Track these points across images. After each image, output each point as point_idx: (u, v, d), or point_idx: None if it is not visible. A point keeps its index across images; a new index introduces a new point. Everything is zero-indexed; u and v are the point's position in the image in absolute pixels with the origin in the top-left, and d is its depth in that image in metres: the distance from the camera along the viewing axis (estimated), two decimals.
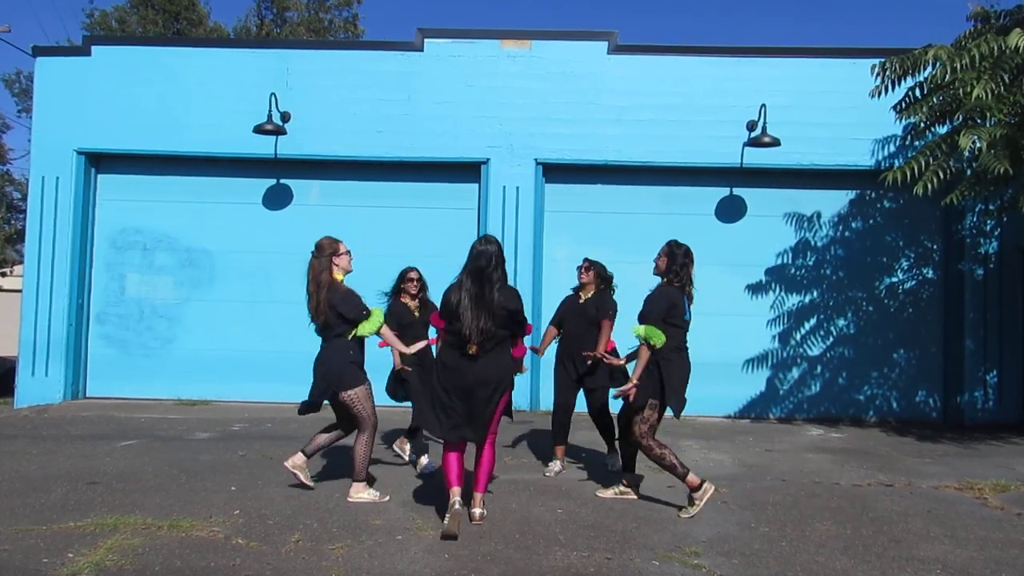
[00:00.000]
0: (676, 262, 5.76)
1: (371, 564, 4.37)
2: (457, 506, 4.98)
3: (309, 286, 5.72)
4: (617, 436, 6.54)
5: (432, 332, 6.77)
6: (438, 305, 6.93)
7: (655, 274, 5.91)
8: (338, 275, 5.77)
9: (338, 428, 5.98)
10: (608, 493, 5.99)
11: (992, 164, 8.07)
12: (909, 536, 5.11)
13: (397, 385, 6.93)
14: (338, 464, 6.97)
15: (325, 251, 5.75)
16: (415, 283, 7.02)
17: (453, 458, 5.23)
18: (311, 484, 5.94)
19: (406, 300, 7.00)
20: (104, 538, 4.66)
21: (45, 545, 4.53)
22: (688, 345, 5.80)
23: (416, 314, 6.97)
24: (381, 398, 7.53)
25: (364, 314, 5.69)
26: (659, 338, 5.47)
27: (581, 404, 6.95)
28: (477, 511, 5.17)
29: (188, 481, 6.17)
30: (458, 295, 5.16)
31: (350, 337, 5.69)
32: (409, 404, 7.14)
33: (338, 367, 5.65)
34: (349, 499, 5.65)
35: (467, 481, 5.28)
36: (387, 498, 5.73)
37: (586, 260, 7.06)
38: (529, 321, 5.51)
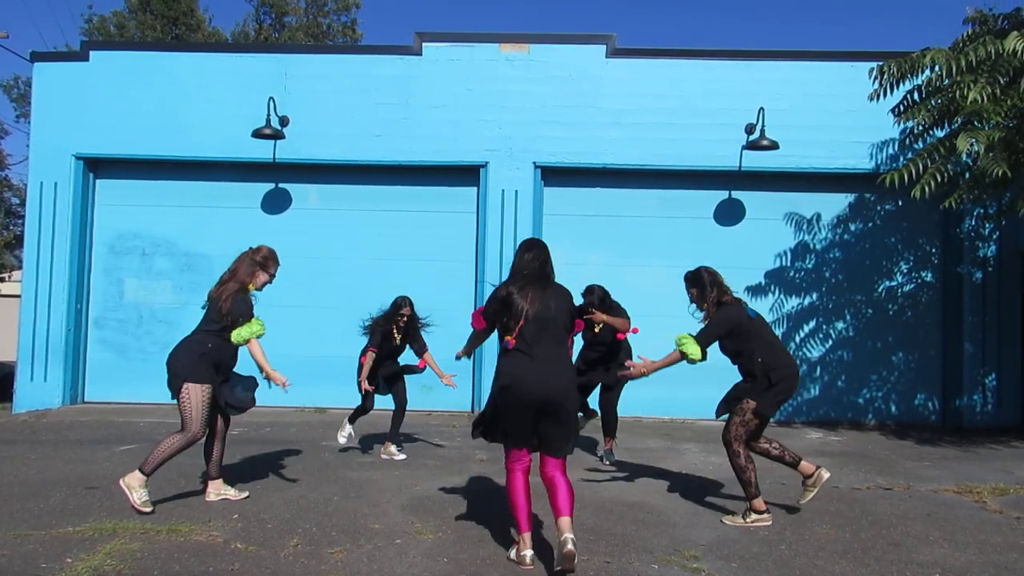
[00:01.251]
0: (705, 285, 5.58)
1: (370, 568, 4.36)
2: (528, 560, 4.33)
3: (225, 274, 5.70)
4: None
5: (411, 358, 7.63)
6: (422, 338, 7.61)
7: (700, 310, 5.67)
8: (252, 285, 5.71)
9: (212, 432, 5.75)
10: (739, 520, 5.45)
11: (990, 167, 8.08)
12: (908, 540, 5.11)
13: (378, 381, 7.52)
14: (335, 467, 6.97)
15: (257, 257, 5.73)
16: (403, 319, 7.50)
17: (521, 482, 4.45)
18: (243, 495, 5.78)
19: (394, 328, 7.49)
20: (103, 543, 4.65)
21: (44, 550, 4.52)
22: (781, 342, 5.73)
23: (396, 341, 7.55)
24: (378, 402, 7.57)
25: (244, 319, 5.54)
26: (692, 350, 5.33)
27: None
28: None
29: (187, 485, 6.16)
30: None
31: (227, 337, 5.55)
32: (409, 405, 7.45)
33: (186, 358, 5.45)
34: (120, 481, 5.37)
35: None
36: (246, 493, 5.75)
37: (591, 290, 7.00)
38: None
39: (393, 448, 7.58)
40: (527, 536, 4.38)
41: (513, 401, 4.33)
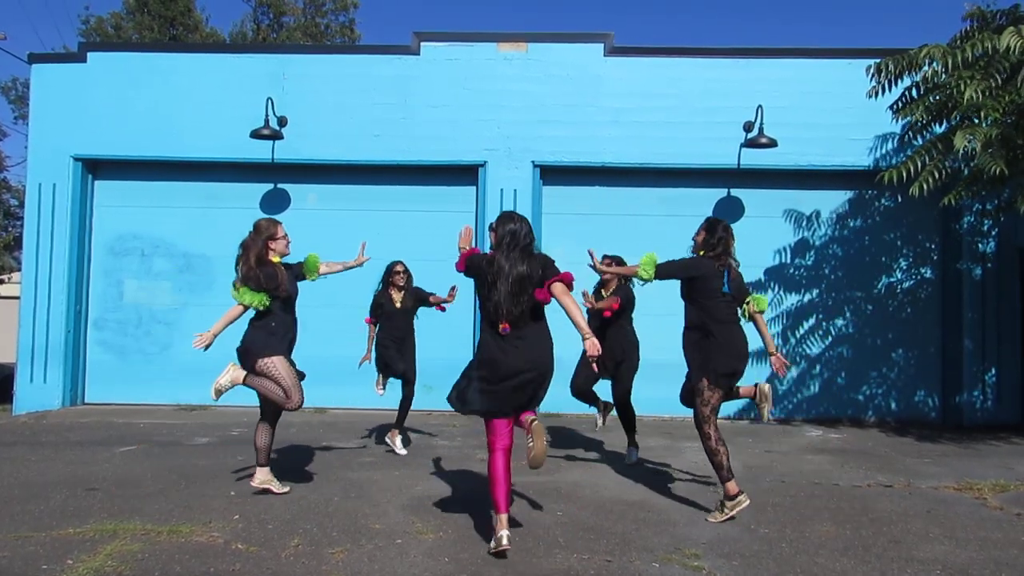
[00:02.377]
0: (715, 235, 5.72)
1: (371, 568, 4.36)
2: (505, 541, 4.49)
3: (238, 262, 5.87)
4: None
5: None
6: (423, 293, 7.73)
7: (693, 252, 5.86)
8: (275, 258, 5.87)
9: (266, 422, 5.97)
10: (719, 516, 5.41)
11: (988, 164, 8.08)
12: (909, 537, 5.11)
13: (379, 355, 7.64)
14: (335, 467, 6.97)
15: (262, 235, 5.85)
16: (401, 275, 7.67)
17: (501, 463, 4.74)
18: (286, 489, 5.94)
19: (392, 292, 7.64)
20: (103, 544, 4.65)
21: (44, 552, 4.52)
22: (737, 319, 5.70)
23: (398, 304, 7.64)
24: (379, 402, 7.57)
25: (296, 270, 6.01)
26: (647, 272, 5.54)
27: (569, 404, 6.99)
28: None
29: (187, 486, 6.16)
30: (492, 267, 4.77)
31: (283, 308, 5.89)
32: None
33: (256, 338, 5.82)
34: (251, 484, 5.84)
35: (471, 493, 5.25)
36: (287, 488, 5.91)
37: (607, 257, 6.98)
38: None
39: (398, 439, 7.65)
40: (504, 517, 4.58)
41: (490, 376, 4.68)
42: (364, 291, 8.22)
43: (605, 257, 7.00)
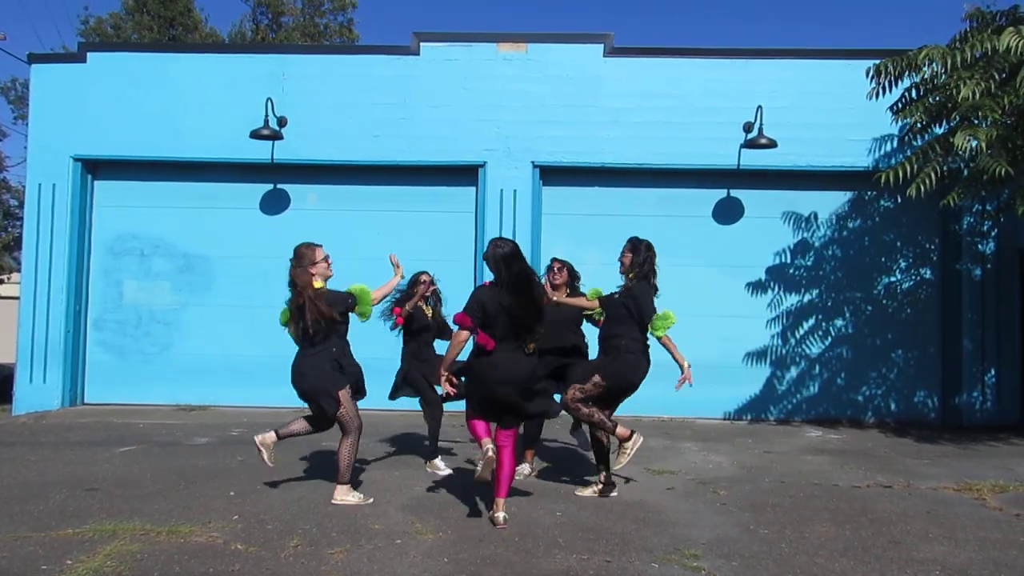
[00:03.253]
0: (640, 255, 6.02)
1: (370, 568, 4.36)
2: (491, 452, 5.09)
3: (295, 299, 5.72)
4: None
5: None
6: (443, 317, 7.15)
7: (621, 272, 6.15)
8: (318, 283, 5.75)
9: (311, 423, 5.99)
10: (588, 492, 6.09)
11: (990, 165, 8.07)
12: (908, 537, 5.11)
13: (402, 384, 7.05)
14: (334, 468, 6.96)
15: (304, 262, 5.75)
16: (428, 286, 7.10)
17: (506, 454, 5.31)
18: (272, 463, 5.90)
19: (421, 304, 7.03)
20: (103, 544, 4.65)
21: (44, 552, 4.52)
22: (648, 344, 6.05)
23: (430, 319, 7.12)
24: (379, 403, 7.55)
25: (351, 302, 5.78)
26: (670, 322, 5.82)
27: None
28: (500, 515, 5.20)
29: (187, 487, 6.16)
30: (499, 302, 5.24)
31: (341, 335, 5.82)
32: (411, 405, 7.28)
33: (322, 373, 5.70)
34: (333, 501, 5.70)
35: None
36: (371, 500, 5.77)
37: (556, 261, 6.96)
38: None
39: (438, 461, 6.96)
40: (500, 501, 5.20)
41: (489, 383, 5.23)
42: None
43: (556, 261, 7.01)
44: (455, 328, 5.24)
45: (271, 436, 5.85)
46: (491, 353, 5.15)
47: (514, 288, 5.16)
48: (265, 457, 5.83)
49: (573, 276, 6.97)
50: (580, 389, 5.89)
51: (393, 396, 7.10)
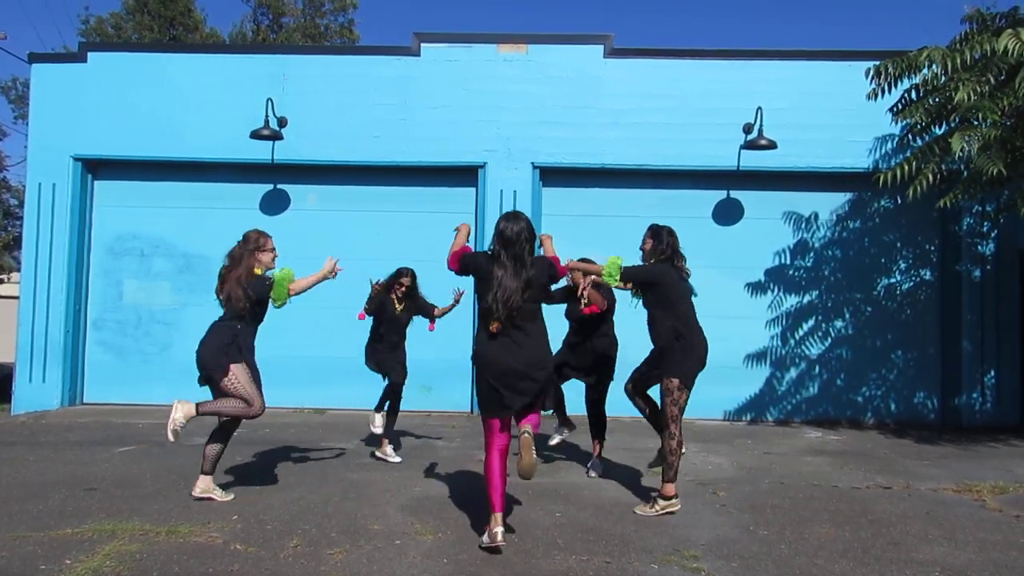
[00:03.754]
0: (662, 241, 5.85)
1: (370, 569, 4.36)
2: (500, 538, 4.56)
3: (223, 269, 5.78)
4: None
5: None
6: (428, 305, 7.60)
7: (644, 261, 5.97)
8: (258, 270, 5.76)
9: (224, 430, 5.87)
10: (647, 510, 5.60)
11: (987, 166, 8.08)
12: (908, 538, 5.11)
13: (371, 352, 7.48)
14: (334, 467, 6.97)
15: (250, 245, 5.78)
16: (404, 288, 7.55)
17: (497, 463, 4.78)
18: (228, 497, 5.78)
19: (393, 296, 7.53)
20: (102, 544, 4.64)
21: (43, 552, 4.52)
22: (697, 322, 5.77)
23: (398, 310, 7.54)
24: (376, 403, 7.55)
25: (268, 284, 5.67)
26: (612, 272, 5.60)
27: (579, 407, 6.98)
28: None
29: (186, 487, 6.14)
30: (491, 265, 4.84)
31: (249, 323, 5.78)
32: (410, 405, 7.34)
33: (216, 345, 5.61)
34: (193, 494, 5.61)
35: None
36: (231, 496, 5.68)
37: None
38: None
39: (389, 448, 7.47)
40: (499, 516, 4.63)
41: (484, 373, 4.74)
42: (363, 294, 8.18)
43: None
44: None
45: (204, 480, 5.76)
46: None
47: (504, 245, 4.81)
48: (217, 497, 5.71)
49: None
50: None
51: (369, 362, 7.57)
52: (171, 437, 5.54)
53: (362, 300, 7.80)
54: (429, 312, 7.71)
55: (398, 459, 7.38)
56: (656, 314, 5.71)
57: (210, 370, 5.60)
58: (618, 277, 5.61)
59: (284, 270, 5.74)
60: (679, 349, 5.56)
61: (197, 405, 5.60)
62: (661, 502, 5.50)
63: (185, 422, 5.59)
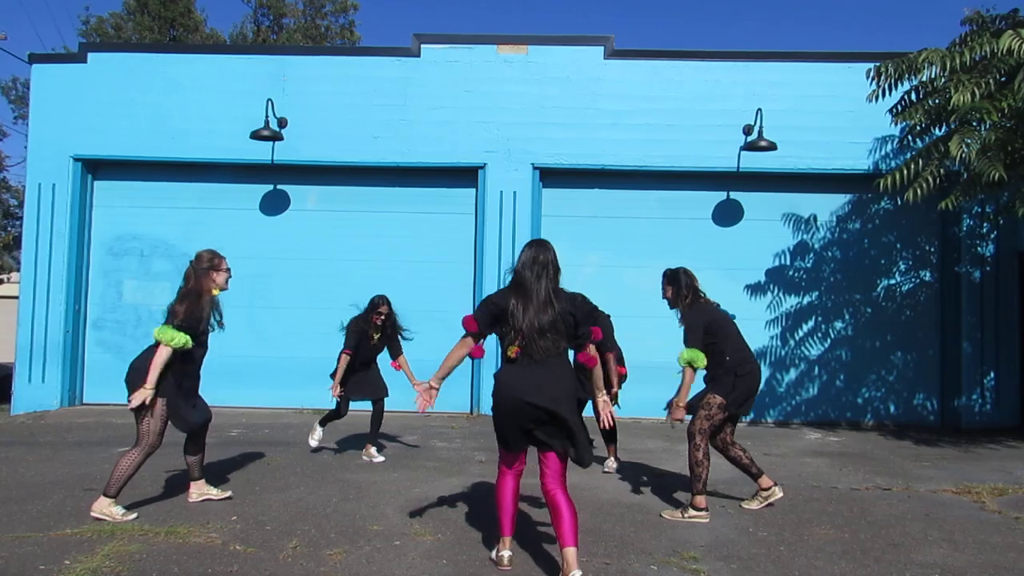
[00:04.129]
0: (680, 285, 5.74)
1: (369, 570, 4.36)
2: (506, 562, 4.33)
3: (181, 291, 5.56)
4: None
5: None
6: (399, 340, 7.53)
7: (672, 308, 5.88)
8: (215, 291, 5.61)
9: (192, 442, 5.74)
10: (754, 505, 5.84)
11: (986, 170, 8.08)
12: (907, 540, 5.11)
13: (353, 385, 7.58)
14: (333, 468, 6.96)
15: (203, 264, 5.59)
16: (381, 316, 7.51)
17: (510, 486, 4.38)
18: (226, 494, 5.77)
19: (369, 328, 7.51)
20: (101, 544, 4.64)
21: (42, 552, 4.52)
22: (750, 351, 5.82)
23: (374, 342, 7.55)
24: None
25: (185, 326, 5.40)
26: (700, 361, 5.54)
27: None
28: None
29: (185, 487, 6.15)
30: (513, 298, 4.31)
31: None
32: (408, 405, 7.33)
33: (140, 367, 5.43)
34: (92, 513, 5.21)
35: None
36: (134, 516, 5.26)
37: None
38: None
39: (373, 450, 7.54)
40: (507, 540, 4.41)
41: (503, 407, 4.23)
42: (362, 294, 8.18)
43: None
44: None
45: (200, 485, 5.73)
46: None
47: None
48: (215, 495, 5.71)
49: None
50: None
51: (355, 398, 7.65)
52: (129, 517, 5.29)
53: (363, 300, 7.81)
54: (398, 350, 7.60)
55: (382, 458, 7.49)
56: (713, 352, 5.67)
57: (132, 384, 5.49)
58: (695, 358, 5.56)
59: (184, 337, 5.42)
60: (733, 380, 5.63)
61: (104, 492, 5.31)
62: (692, 511, 5.52)
63: (119, 507, 5.31)
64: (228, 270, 5.71)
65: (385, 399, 7.70)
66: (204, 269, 5.57)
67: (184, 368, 5.53)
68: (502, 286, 4.63)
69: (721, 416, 5.63)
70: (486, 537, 4.94)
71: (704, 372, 5.71)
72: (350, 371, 7.48)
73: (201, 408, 5.78)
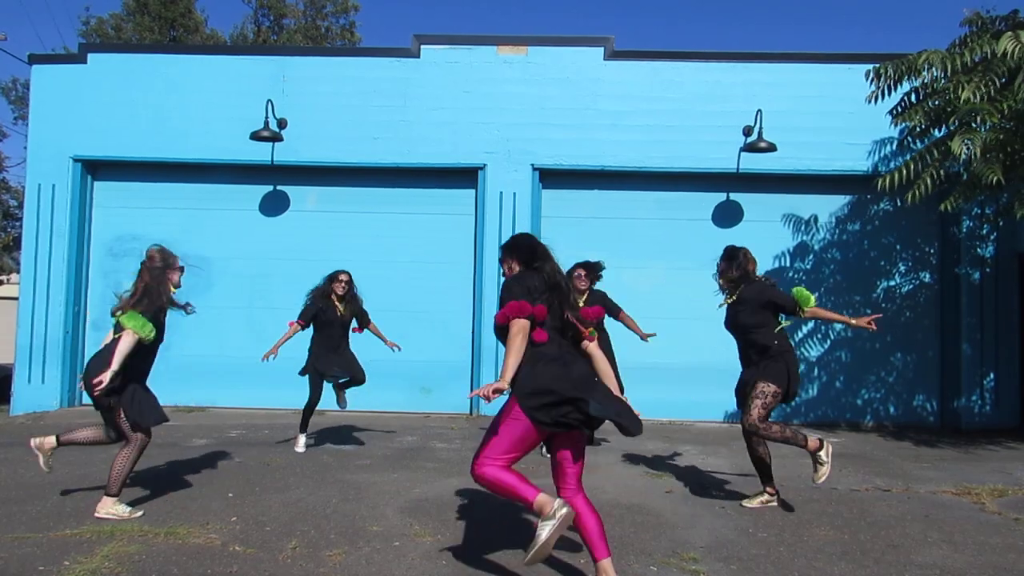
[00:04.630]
0: (735, 262, 6.17)
1: (368, 570, 4.36)
2: (564, 510, 3.59)
3: (133, 288, 5.59)
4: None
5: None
6: (363, 306, 7.67)
7: (723, 288, 6.22)
8: (172, 289, 5.65)
9: (105, 430, 5.61)
10: (755, 503, 5.93)
11: (985, 172, 8.09)
12: (907, 541, 5.11)
13: (326, 361, 7.63)
14: (333, 469, 6.96)
15: (157, 262, 5.59)
16: (343, 284, 7.63)
17: (504, 471, 3.76)
18: (47, 469, 5.67)
19: (333, 299, 7.62)
20: (101, 545, 4.64)
21: (42, 552, 4.52)
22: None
23: (339, 313, 7.62)
24: (374, 404, 7.55)
25: (151, 319, 5.47)
26: (808, 301, 5.79)
27: None
28: None
29: (185, 488, 6.15)
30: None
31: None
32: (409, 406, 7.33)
33: (100, 365, 5.32)
34: (96, 514, 5.20)
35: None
36: (140, 513, 5.28)
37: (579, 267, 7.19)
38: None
39: (302, 439, 7.78)
40: (541, 496, 3.62)
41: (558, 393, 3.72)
42: (362, 295, 8.19)
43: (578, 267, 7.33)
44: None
45: (50, 441, 5.61)
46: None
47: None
48: (42, 463, 5.61)
49: (593, 279, 7.43)
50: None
51: (315, 385, 7.70)
52: (136, 514, 5.30)
53: (364, 301, 7.81)
54: (365, 317, 7.80)
55: (303, 449, 7.73)
56: (766, 327, 5.85)
57: (90, 381, 5.34)
58: (802, 296, 5.84)
59: (149, 326, 5.53)
60: (784, 367, 5.74)
61: (106, 492, 5.30)
62: (766, 496, 5.85)
63: (123, 504, 5.34)
64: (182, 268, 5.76)
65: (358, 387, 7.78)
66: (159, 268, 5.60)
67: (138, 365, 5.58)
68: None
69: (775, 404, 5.71)
70: (486, 538, 4.94)
71: (745, 354, 5.87)
72: (316, 354, 7.57)
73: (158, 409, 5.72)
